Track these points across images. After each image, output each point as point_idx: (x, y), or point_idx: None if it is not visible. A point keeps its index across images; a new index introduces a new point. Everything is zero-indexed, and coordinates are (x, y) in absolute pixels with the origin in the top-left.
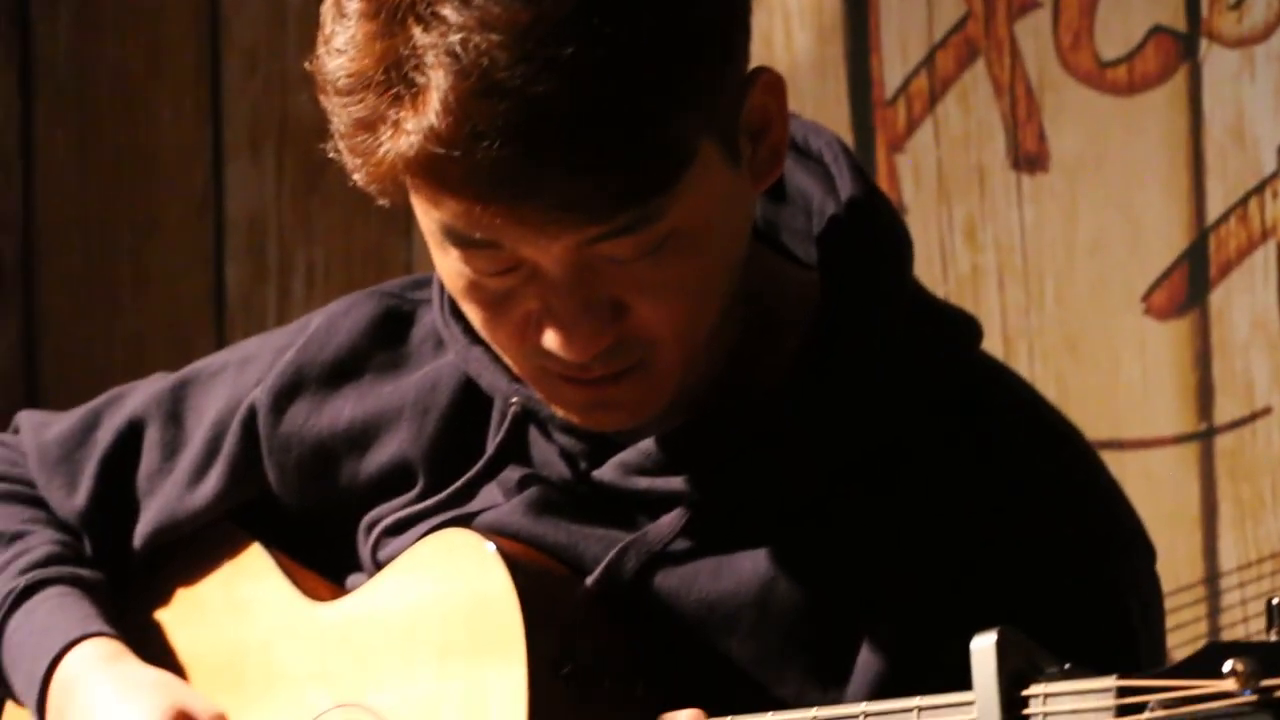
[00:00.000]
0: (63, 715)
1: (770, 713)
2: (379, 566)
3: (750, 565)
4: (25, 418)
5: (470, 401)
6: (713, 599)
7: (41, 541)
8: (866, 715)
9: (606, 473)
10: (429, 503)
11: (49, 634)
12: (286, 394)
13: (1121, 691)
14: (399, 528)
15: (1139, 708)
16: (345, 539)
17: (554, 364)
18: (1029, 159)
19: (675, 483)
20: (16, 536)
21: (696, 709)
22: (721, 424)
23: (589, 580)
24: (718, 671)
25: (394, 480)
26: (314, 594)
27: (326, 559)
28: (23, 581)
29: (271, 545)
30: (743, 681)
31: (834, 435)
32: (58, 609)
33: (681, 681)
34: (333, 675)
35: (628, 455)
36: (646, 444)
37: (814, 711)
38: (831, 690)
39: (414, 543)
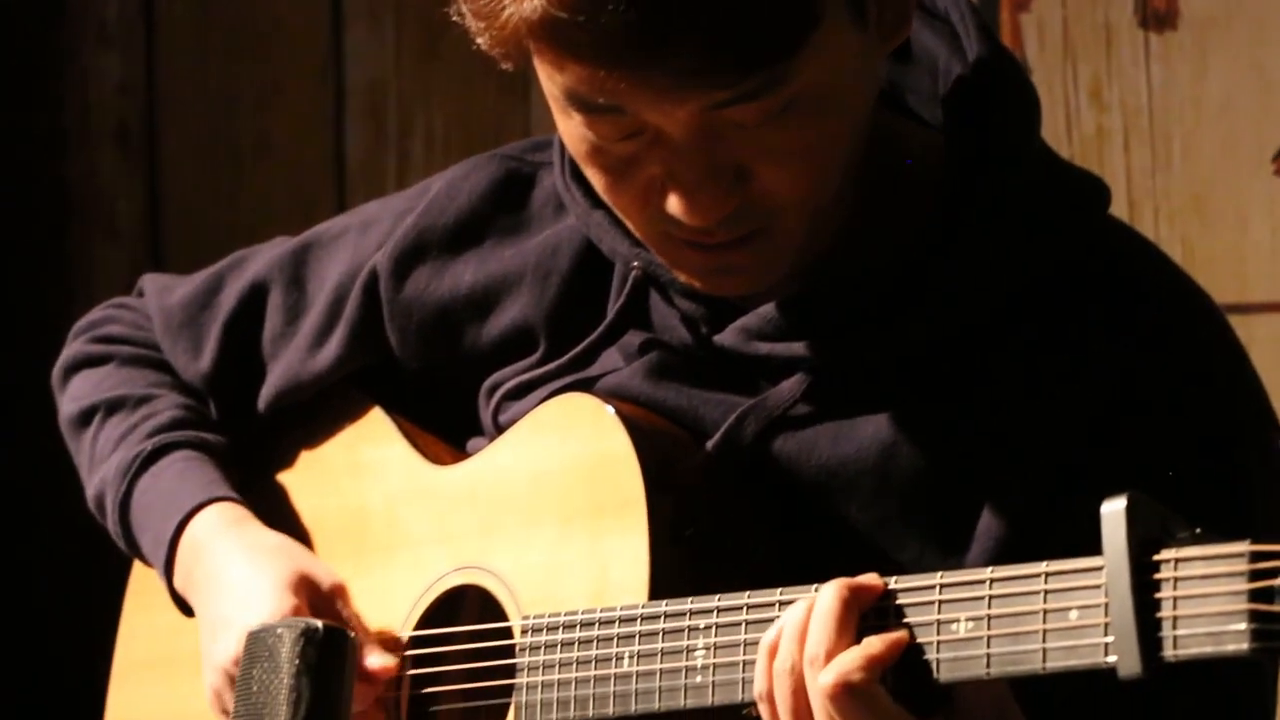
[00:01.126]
0: (190, 577)
1: (894, 576)
2: (500, 430)
3: (871, 430)
4: (149, 281)
5: (591, 265)
6: (833, 464)
7: (167, 406)
8: (992, 580)
9: (727, 337)
10: (550, 367)
11: (175, 498)
12: (408, 259)
13: (1255, 557)
14: (520, 392)
15: (1272, 573)
16: (466, 403)
17: (677, 229)
18: (1157, 16)
19: (796, 348)
20: (143, 400)
21: (873, 573)
22: (844, 288)
23: (708, 445)
24: (837, 536)
25: (515, 344)
26: (435, 457)
27: (447, 423)
28: (149, 445)
29: (393, 409)
30: (862, 547)
31: (958, 298)
32: (183, 473)
33: (801, 546)
34: (454, 538)
35: (749, 320)
36: (768, 309)
37: (939, 576)
38: (952, 556)
39: (535, 406)
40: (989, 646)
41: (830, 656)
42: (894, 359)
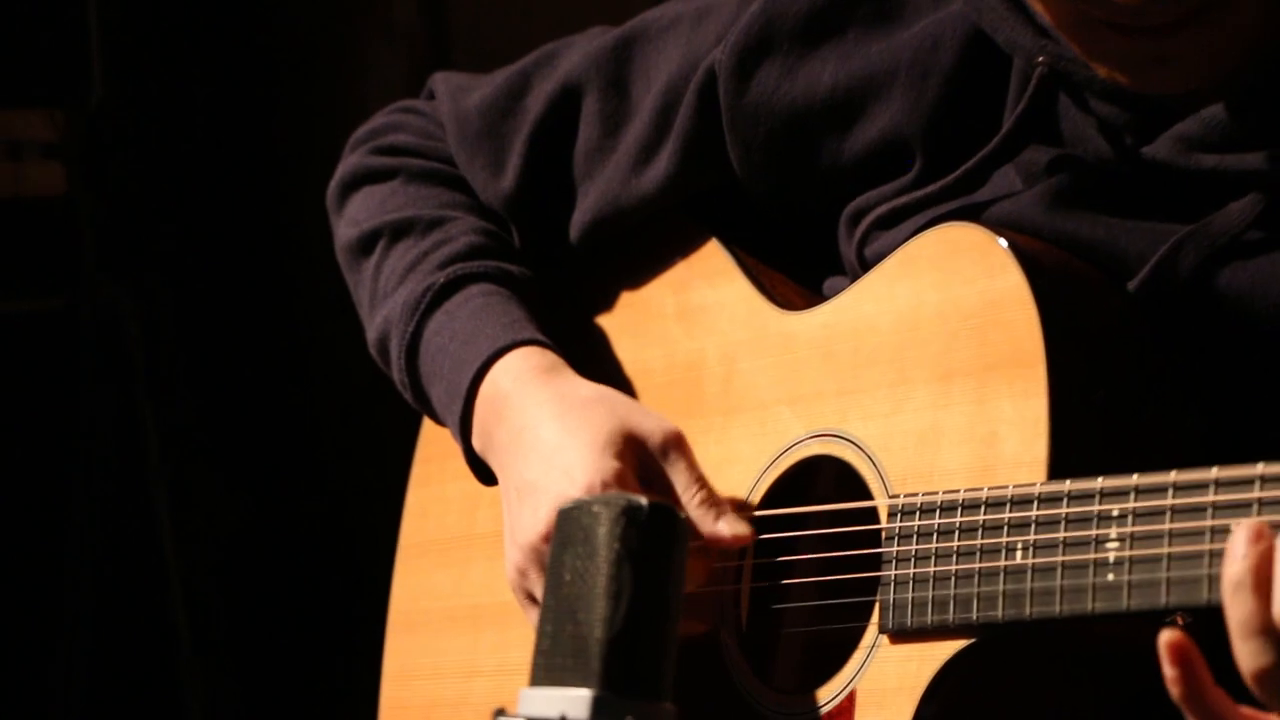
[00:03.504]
0: (490, 437)
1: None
2: (865, 267)
3: None
4: (442, 81)
5: (981, 63)
6: None
7: (463, 230)
8: None
9: (1161, 148)
10: (929, 189)
11: (474, 341)
12: (753, 54)
13: None
14: (892, 219)
15: None
16: (823, 233)
17: (1099, 8)
18: None
19: (1251, 159)
20: (435, 224)
21: None
22: None
23: (1131, 284)
24: None
25: (885, 160)
26: (784, 300)
27: (799, 258)
28: (443, 277)
29: (733, 242)
30: None
31: None
32: (483, 310)
33: (1249, 404)
34: (806, 399)
35: (1189, 126)
36: (1214, 111)
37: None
38: None
39: (909, 238)
40: None
41: None
42: None
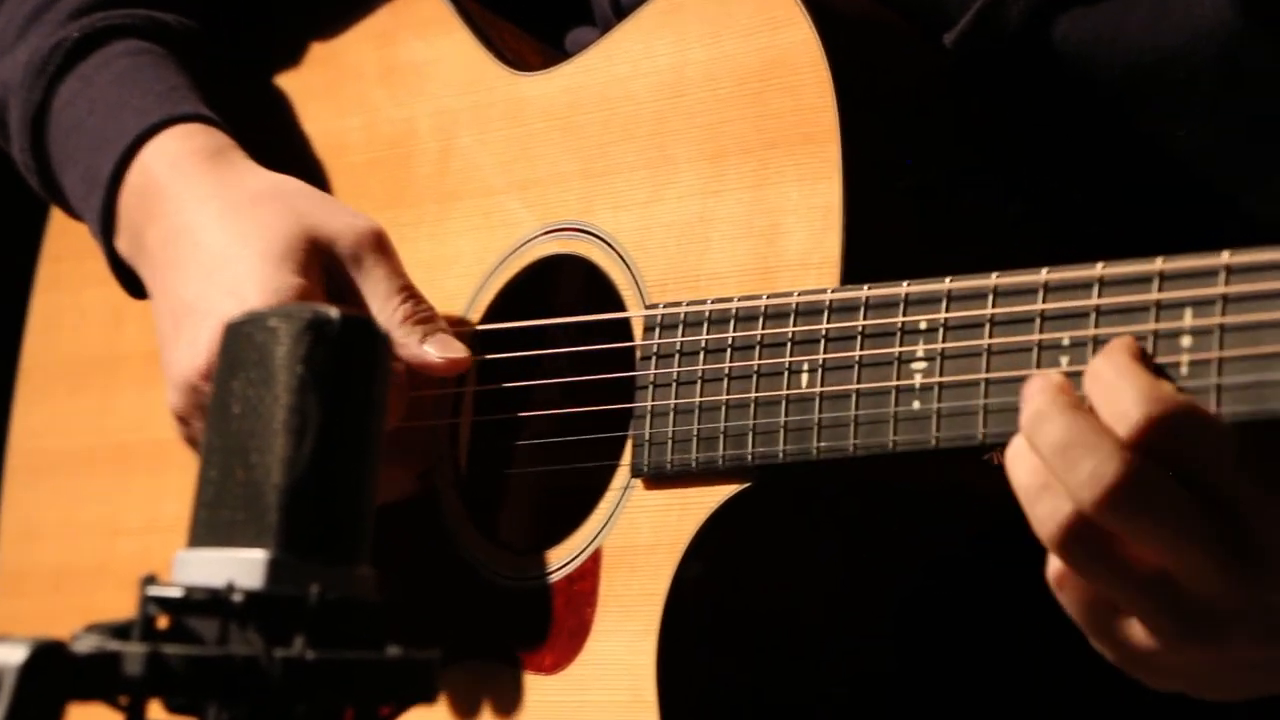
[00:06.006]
0: (139, 239)
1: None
2: (620, 17)
3: (1211, 9)
4: None
5: None
6: (1150, 58)
7: None
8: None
9: None
10: None
11: (118, 114)
12: None
13: None
14: None
15: None
16: None
17: None
18: None
19: None
20: None
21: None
22: None
23: (948, 36)
24: (1149, 161)
25: None
26: (516, 59)
27: (536, 5)
28: (76, 29)
29: None
30: (1187, 174)
31: None
32: (130, 75)
33: (1088, 183)
34: (543, 184)
35: None
36: None
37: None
38: None
39: None
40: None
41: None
42: None
